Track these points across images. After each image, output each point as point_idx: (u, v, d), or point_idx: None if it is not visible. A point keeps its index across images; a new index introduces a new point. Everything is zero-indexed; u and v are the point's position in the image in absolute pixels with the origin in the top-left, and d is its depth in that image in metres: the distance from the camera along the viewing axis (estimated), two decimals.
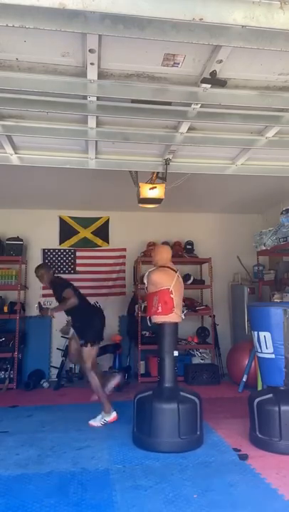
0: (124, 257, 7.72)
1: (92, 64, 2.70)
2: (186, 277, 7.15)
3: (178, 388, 3.90)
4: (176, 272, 4.13)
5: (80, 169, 4.58)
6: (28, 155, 4.25)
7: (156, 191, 4.44)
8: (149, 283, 4.09)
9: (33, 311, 7.27)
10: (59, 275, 5.58)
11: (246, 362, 5.92)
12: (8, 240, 6.88)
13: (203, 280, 7.49)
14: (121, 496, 2.82)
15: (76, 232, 7.63)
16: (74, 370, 6.95)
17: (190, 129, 3.71)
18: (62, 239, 7.59)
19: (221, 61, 2.69)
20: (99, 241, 7.69)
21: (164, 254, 4.29)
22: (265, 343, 3.82)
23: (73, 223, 7.64)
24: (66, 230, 7.60)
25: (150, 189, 4.44)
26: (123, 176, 4.80)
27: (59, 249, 7.56)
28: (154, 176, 4.61)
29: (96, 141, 3.90)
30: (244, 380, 5.88)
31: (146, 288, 4.17)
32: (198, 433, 3.72)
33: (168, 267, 4.16)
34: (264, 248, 6.37)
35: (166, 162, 4.34)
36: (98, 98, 3.13)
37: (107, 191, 6.38)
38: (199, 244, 7.72)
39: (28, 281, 7.31)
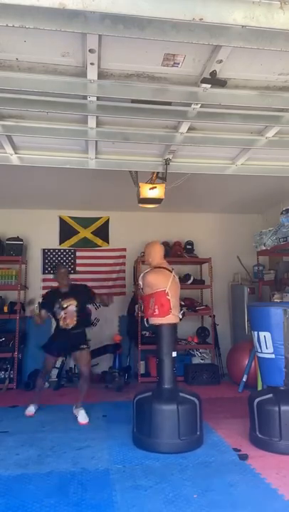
0: (124, 257, 7.72)
1: (92, 64, 2.70)
2: (186, 277, 7.16)
3: (177, 389, 3.90)
4: (171, 272, 4.11)
5: (80, 169, 4.58)
6: (28, 155, 4.25)
7: (156, 191, 4.44)
8: (145, 285, 4.07)
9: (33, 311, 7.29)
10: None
11: (246, 362, 5.92)
12: (8, 240, 6.87)
13: (203, 280, 7.48)
14: (121, 496, 2.82)
15: (76, 232, 7.63)
16: (74, 370, 6.95)
17: (190, 129, 3.71)
18: (62, 239, 7.59)
19: (221, 61, 2.69)
20: (99, 241, 7.69)
21: (157, 253, 4.25)
22: (265, 343, 3.82)
23: (73, 223, 7.64)
24: (66, 230, 7.60)
25: (150, 189, 4.44)
26: (123, 176, 4.80)
27: (59, 249, 7.56)
28: (154, 176, 4.61)
29: (96, 141, 3.90)
30: (244, 380, 5.88)
31: (142, 289, 4.15)
32: (198, 433, 3.71)
33: (163, 268, 4.14)
34: (264, 248, 6.37)
35: (166, 162, 4.34)
36: (98, 98, 3.13)
37: (107, 191, 6.38)
38: (199, 244, 7.72)
39: (28, 281, 7.32)
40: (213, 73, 2.82)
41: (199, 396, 3.83)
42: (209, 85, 2.97)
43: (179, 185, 4.79)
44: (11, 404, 5.35)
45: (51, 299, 5.06)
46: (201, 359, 6.99)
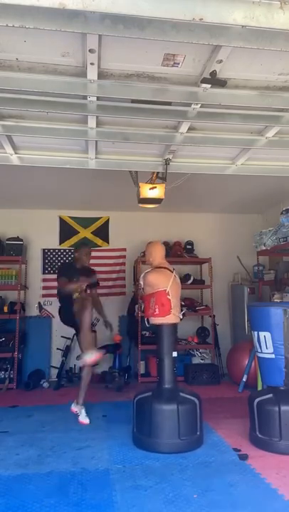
0: (124, 257, 7.72)
1: (92, 64, 2.70)
2: (186, 277, 7.16)
3: (177, 389, 3.90)
4: (172, 272, 4.11)
5: (80, 169, 4.58)
6: (28, 155, 4.25)
7: (156, 191, 4.44)
8: (146, 284, 4.07)
9: (33, 311, 7.30)
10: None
11: (246, 362, 5.92)
12: (8, 240, 6.88)
13: (203, 280, 7.49)
14: (121, 496, 2.82)
15: (76, 232, 7.63)
16: (74, 370, 6.96)
17: (190, 129, 3.71)
18: (62, 239, 7.59)
19: (221, 61, 2.69)
20: (99, 241, 7.69)
21: (158, 253, 4.26)
22: (265, 343, 3.82)
23: (73, 223, 7.64)
24: (66, 230, 7.61)
25: (150, 189, 4.44)
26: (123, 176, 4.80)
27: (59, 249, 7.56)
28: (154, 176, 4.61)
29: (96, 141, 3.90)
30: (244, 380, 5.88)
31: (143, 289, 4.15)
32: (198, 433, 3.71)
33: (164, 267, 4.14)
34: (264, 248, 6.37)
35: (166, 162, 4.34)
36: (98, 98, 3.13)
37: (107, 191, 6.38)
38: (199, 244, 7.72)
39: (28, 281, 7.32)
40: (213, 73, 2.82)
41: (199, 396, 3.83)
42: (209, 85, 2.97)
43: (179, 185, 4.79)
44: (11, 404, 5.35)
45: (69, 270, 5.02)
46: (201, 359, 6.99)
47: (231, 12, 2.15)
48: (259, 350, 3.94)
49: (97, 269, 7.46)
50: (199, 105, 3.26)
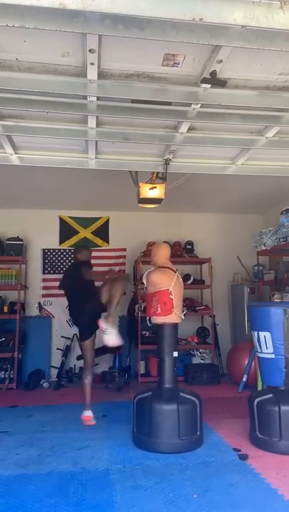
0: (124, 257, 7.72)
1: (92, 64, 2.70)
2: (186, 277, 7.15)
3: (178, 389, 3.90)
4: (175, 272, 4.11)
5: (80, 169, 4.58)
6: (28, 155, 4.25)
7: (156, 191, 4.44)
8: (148, 283, 4.07)
9: (33, 311, 7.30)
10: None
11: (246, 362, 5.92)
12: (8, 240, 6.88)
13: (203, 280, 7.49)
14: (121, 496, 2.82)
15: (76, 232, 7.63)
16: (74, 370, 6.96)
17: (190, 129, 3.71)
18: (62, 239, 7.59)
19: (221, 61, 2.69)
20: (99, 241, 7.69)
21: (163, 254, 4.27)
22: (265, 343, 3.82)
23: (73, 223, 7.64)
24: (66, 230, 7.61)
25: (150, 189, 4.44)
26: (123, 176, 4.80)
27: (59, 249, 7.56)
28: (154, 176, 4.61)
29: (96, 141, 3.90)
30: (244, 380, 5.88)
31: (146, 288, 4.16)
32: (198, 433, 3.71)
33: (167, 268, 4.15)
34: (264, 248, 6.37)
35: (166, 162, 4.34)
36: (98, 98, 3.13)
37: (107, 191, 6.38)
38: (199, 244, 7.72)
39: (28, 281, 7.32)
40: (213, 73, 2.82)
41: (199, 396, 3.83)
42: (209, 85, 2.97)
43: (179, 185, 4.79)
44: (11, 404, 5.35)
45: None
46: (201, 359, 6.99)
47: (231, 12, 2.15)
48: (259, 350, 3.94)
49: (97, 269, 7.50)
50: (199, 105, 3.25)
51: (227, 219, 7.97)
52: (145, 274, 4.14)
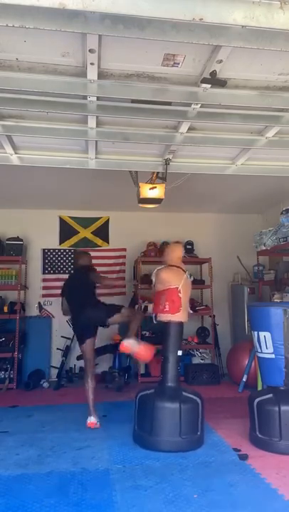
0: (124, 257, 7.73)
1: (92, 64, 2.70)
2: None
3: (180, 388, 3.91)
4: (185, 272, 4.12)
5: (80, 169, 4.58)
6: (28, 155, 4.25)
7: (156, 191, 4.44)
8: (157, 281, 4.08)
9: (33, 311, 7.30)
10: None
11: (246, 362, 5.92)
12: (8, 240, 6.88)
13: (203, 280, 7.48)
14: (121, 496, 2.82)
15: (76, 232, 7.63)
16: (74, 370, 6.96)
17: (190, 129, 3.71)
18: (62, 239, 7.59)
19: (221, 61, 2.69)
20: (99, 241, 7.69)
21: (176, 253, 4.30)
22: (265, 343, 3.82)
23: (73, 223, 7.64)
24: (66, 230, 7.61)
25: (150, 189, 4.44)
26: (123, 176, 4.80)
27: (59, 249, 7.56)
28: (154, 176, 4.61)
29: (96, 141, 3.90)
30: (244, 380, 5.88)
31: (154, 285, 4.16)
32: (198, 433, 3.72)
33: (177, 267, 4.16)
34: (264, 248, 6.37)
35: (166, 162, 4.34)
36: (98, 98, 3.13)
37: (107, 191, 6.38)
38: (199, 244, 7.72)
39: (28, 281, 7.32)
40: (213, 73, 2.82)
41: (202, 396, 3.84)
42: (209, 85, 2.97)
43: (179, 185, 4.79)
44: (11, 404, 5.35)
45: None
46: (201, 359, 6.99)
47: (231, 12, 2.15)
48: (259, 350, 3.94)
49: (97, 269, 7.52)
50: (199, 105, 3.26)
51: (227, 219, 7.96)
52: (154, 272, 4.15)
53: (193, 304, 7.26)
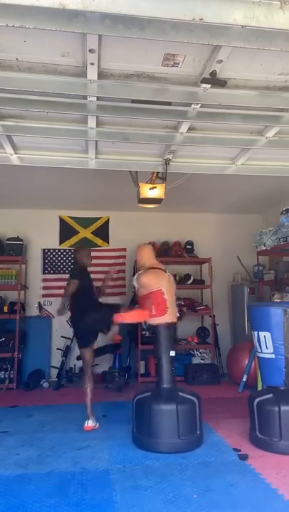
0: (124, 257, 7.73)
1: (92, 64, 2.70)
2: (186, 277, 7.16)
3: (176, 389, 3.90)
4: (165, 272, 4.11)
5: (80, 169, 4.58)
6: (28, 155, 4.25)
7: (156, 191, 4.44)
8: (140, 286, 4.07)
9: (33, 311, 7.30)
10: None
11: (246, 362, 5.92)
12: (8, 240, 6.88)
13: (203, 280, 7.49)
14: (121, 496, 2.82)
15: (76, 232, 7.63)
16: (74, 370, 6.95)
17: (190, 129, 3.71)
18: (62, 239, 7.59)
19: (221, 61, 2.70)
20: (99, 241, 7.69)
21: (147, 255, 4.27)
22: (265, 343, 3.82)
23: (73, 223, 7.64)
24: (66, 230, 7.61)
25: (150, 189, 4.44)
26: (123, 176, 4.80)
27: (59, 249, 7.56)
28: (154, 176, 4.61)
29: (96, 141, 3.90)
30: (244, 380, 5.88)
31: (138, 291, 4.15)
32: (197, 433, 3.71)
33: (157, 268, 4.15)
34: (264, 248, 6.37)
35: (166, 162, 4.34)
36: (98, 98, 3.13)
37: (107, 191, 6.38)
38: (199, 244, 7.72)
39: (28, 281, 7.32)
40: (213, 73, 2.82)
41: (199, 395, 3.83)
42: (209, 85, 2.97)
43: (179, 185, 4.80)
44: (11, 404, 5.35)
45: (82, 274, 4.79)
46: (201, 359, 6.98)
47: (231, 12, 2.15)
48: (259, 350, 3.94)
49: (97, 269, 7.48)
50: (199, 105, 3.26)
51: (227, 219, 7.97)
52: (135, 277, 4.14)
53: (194, 304, 7.27)
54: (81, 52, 2.66)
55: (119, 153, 4.27)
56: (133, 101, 3.25)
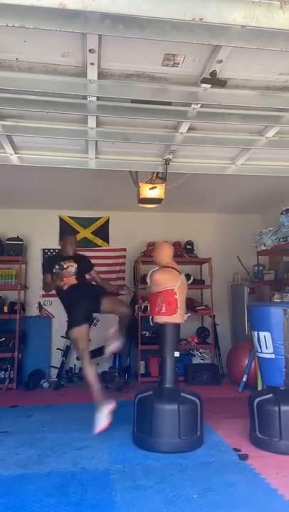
0: (124, 257, 7.72)
1: (92, 64, 2.70)
2: (186, 277, 7.10)
3: (178, 389, 3.90)
4: (180, 274, 4.10)
5: (80, 169, 4.58)
6: (28, 155, 4.25)
7: (156, 191, 4.44)
8: (153, 283, 4.06)
9: (33, 311, 7.30)
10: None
11: (246, 362, 5.92)
12: (8, 240, 6.88)
13: (203, 280, 7.48)
14: (121, 496, 2.82)
15: (76, 232, 7.62)
16: (74, 370, 6.95)
17: (190, 129, 3.71)
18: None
19: (221, 61, 2.70)
20: (99, 241, 7.69)
21: (166, 253, 4.25)
22: (265, 343, 3.82)
23: (73, 223, 7.64)
24: (66, 230, 7.59)
25: (150, 189, 4.44)
26: (123, 176, 4.80)
27: (59, 249, 7.54)
28: (154, 176, 4.61)
29: (96, 141, 3.90)
30: (244, 380, 5.88)
31: (149, 287, 4.14)
32: (198, 434, 3.71)
33: (172, 267, 4.14)
34: (264, 248, 6.37)
35: (166, 162, 4.34)
36: (98, 98, 3.13)
37: (107, 191, 6.38)
38: (199, 244, 7.72)
39: (28, 281, 7.32)
40: (213, 73, 2.82)
41: (200, 396, 3.83)
42: (209, 85, 2.97)
43: (179, 185, 4.80)
44: (11, 404, 5.34)
45: (52, 262, 4.74)
46: (201, 359, 6.98)
47: (231, 12, 2.15)
48: (259, 350, 3.94)
49: (97, 269, 7.50)
50: (199, 105, 3.26)
51: (227, 219, 7.96)
52: (149, 274, 4.12)
53: (194, 304, 7.27)
54: (81, 52, 2.66)
55: (119, 153, 4.27)
56: (133, 101, 3.25)
